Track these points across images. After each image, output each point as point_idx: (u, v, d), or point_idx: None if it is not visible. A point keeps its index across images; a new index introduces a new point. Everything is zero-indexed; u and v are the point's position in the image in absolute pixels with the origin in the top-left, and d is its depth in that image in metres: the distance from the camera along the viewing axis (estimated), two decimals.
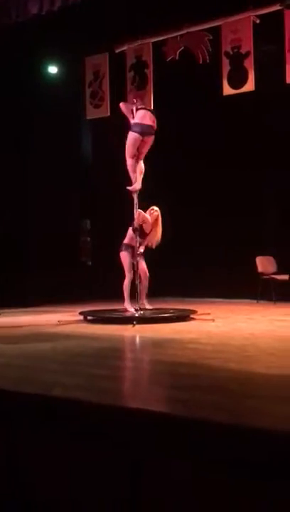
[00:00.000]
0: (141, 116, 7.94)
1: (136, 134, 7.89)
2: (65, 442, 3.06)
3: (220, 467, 2.54)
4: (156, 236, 8.39)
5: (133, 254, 8.07)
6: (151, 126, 7.91)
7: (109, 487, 2.88)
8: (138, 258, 8.09)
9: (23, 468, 3.22)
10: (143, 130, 7.90)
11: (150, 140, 7.97)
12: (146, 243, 8.32)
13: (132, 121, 7.94)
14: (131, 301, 7.98)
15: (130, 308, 7.94)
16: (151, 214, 8.30)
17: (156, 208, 8.38)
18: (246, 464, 2.47)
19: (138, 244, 8.06)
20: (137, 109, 7.98)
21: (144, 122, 7.91)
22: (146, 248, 8.38)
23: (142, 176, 8.09)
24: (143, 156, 8.08)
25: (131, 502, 2.78)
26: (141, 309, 7.76)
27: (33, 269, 10.74)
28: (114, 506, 2.84)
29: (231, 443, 2.53)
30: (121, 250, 8.21)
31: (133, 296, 7.93)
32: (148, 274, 8.27)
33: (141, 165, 8.08)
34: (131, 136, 7.91)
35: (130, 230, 8.15)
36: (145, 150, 8.04)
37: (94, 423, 3.00)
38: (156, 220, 8.37)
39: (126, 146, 7.94)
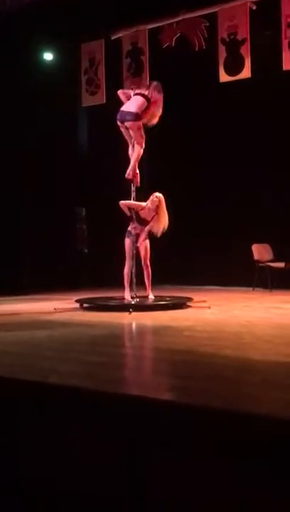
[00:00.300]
0: (126, 103, 7.93)
1: (117, 122, 7.90)
2: (61, 429, 3.06)
3: (217, 452, 2.55)
4: (160, 223, 8.17)
5: (136, 242, 8.05)
6: (129, 113, 7.82)
7: (106, 474, 2.89)
8: (138, 245, 8.05)
9: (20, 453, 3.23)
10: (122, 117, 7.87)
11: (131, 125, 7.87)
12: (148, 230, 8.16)
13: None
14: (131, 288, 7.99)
15: (128, 297, 7.93)
16: (151, 201, 8.17)
17: (157, 195, 8.13)
18: (242, 448, 2.48)
19: (137, 232, 8.02)
20: (134, 95, 7.95)
21: (124, 109, 7.89)
22: (151, 235, 8.25)
23: (134, 160, 8.01)
24: (133, 140, 8.01)
25: (129, 488, 2.79)
26: (141, 297, 7.76)
27: (29, 256, 10.72)
28: (112, 492, 2.85)
29: (227, 429, 2.55)
30: (126, 237, 8.13)
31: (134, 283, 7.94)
32: (147, 262, 8.20)
33: (138, 150, 7.99)
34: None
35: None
36: (132, 135, 7.97)
37: (90, 410, 3.01)
38: (158, 206, 8.14)
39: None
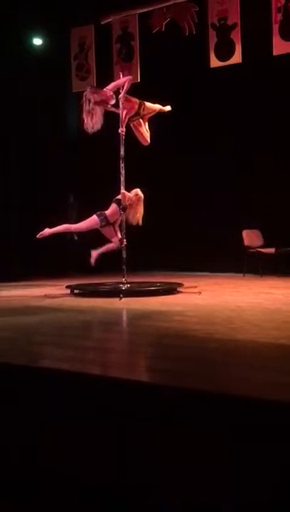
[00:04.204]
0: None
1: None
2: (53, 412, 3.08)
3: (207, 434, 2.57)
4: (136, 215, 8.11)
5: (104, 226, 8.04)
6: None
7: (96, 456, 2.91)
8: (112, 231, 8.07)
9: (11, 435, 3.25)
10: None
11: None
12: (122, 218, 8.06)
13: None
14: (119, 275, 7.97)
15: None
16: (135, 195, 8.14)
17: (140, 194, 8.11)
18: (232, 430, 2.50)
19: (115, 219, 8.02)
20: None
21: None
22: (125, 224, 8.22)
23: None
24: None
25: (118, 469, 2.82)
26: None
27: (19, 243, 10.70)
28: (101, 472, 2.87)
29: (216, 411, 2.57)
30: (96, 216, 8.09)
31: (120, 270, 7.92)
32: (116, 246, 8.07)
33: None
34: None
35: (114, 205, 8.02)
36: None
37: (81, 393, 3.03)
38: (138, 204, 8.09)
39: (153, 107, 8.10)
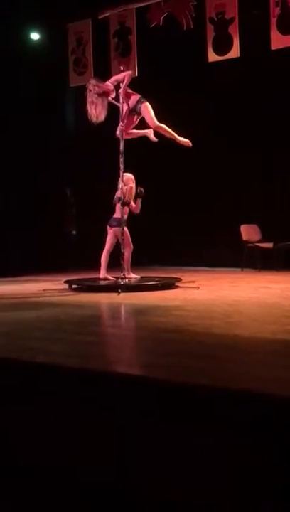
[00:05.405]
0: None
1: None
2: (50, 407, 3.08)
3: (205, 430, 2.57)
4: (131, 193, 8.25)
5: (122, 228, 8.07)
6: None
7: (94, 452, 2.90)
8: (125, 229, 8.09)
9: (6, 432, 3.25)
10: None
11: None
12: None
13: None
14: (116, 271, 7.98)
15: (108, 276, 8.03)
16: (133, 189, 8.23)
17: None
18: (231, 426, 2.50)
19: (126, 217, 8.06)
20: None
21: None
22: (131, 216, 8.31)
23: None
24: None
25: (117, 466, 2.81)
26: (126, 278, 7.77)
27: (16, 237, 10.69)
28: (99, 470, 2.87)
29: (215, 406, 2.57)
30: (113, 226, 8.14)
31: (118, 265, 7.92)
32: (132, 247, 8.25)
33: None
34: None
35: (118, 205, 8.05)
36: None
37: (79, 388, 3.02)
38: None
39: (152, 115, 7.83)
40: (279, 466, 2.38)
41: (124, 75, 7.75)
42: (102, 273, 8.23)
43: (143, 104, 7.79)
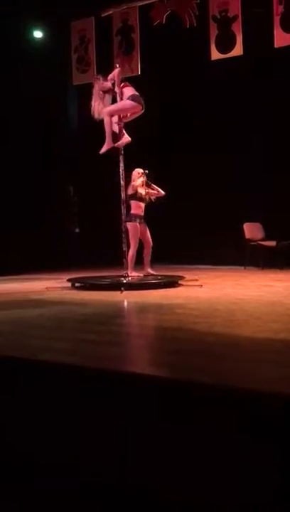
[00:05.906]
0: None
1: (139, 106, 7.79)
2: (52, 405, 3.08)
3: (208, 428, 2.56)
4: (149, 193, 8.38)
5: (140, 223, 8.20)
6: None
7: (95, 451, 2.90)
8: (144, 226, 8.25)
9: (10, 428, 3.25)
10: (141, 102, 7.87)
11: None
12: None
13: (133, 93, 7.79)
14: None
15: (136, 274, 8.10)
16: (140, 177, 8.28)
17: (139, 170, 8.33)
18: (234, 424, 2.50)
19: (142, 213, 8.20)
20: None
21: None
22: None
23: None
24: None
25: (119, 463, 2.81)
26: (147, 275, 8.00)
27: (19, 236, 10.69)
28: (101, 467, 2.87)
29: (218, 404, 2.56)
30: (129, 221, 8.16)
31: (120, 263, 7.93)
32: (152, 243, 8.34)
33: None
34: (133, 105, 7.78)
35: (133, 201, 8.17)
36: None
37: (82, 386, 3.02)
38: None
39: (119, 108, 7.82)
40: (280, 465, 2.38)
41: (113, 74, 7.83)
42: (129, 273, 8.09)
43: (125, 89, 7.82)
